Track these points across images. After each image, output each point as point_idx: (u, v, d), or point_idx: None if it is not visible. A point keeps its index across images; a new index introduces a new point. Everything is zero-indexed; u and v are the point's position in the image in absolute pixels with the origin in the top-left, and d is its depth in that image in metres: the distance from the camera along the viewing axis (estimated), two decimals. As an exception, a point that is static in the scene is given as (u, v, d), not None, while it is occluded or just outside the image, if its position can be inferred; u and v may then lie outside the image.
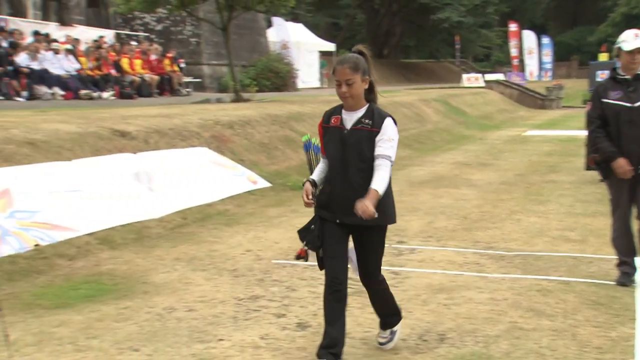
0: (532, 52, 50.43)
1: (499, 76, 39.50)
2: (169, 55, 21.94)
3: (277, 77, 27.04)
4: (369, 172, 3.72)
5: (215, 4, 17.96)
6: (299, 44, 31.65)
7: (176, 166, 9.33)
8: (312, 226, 3.90)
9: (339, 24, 58.89)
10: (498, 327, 4.64)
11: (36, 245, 6.27)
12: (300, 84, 29.71)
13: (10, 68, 15.46)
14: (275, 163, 11.62)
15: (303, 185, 3.91)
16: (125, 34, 24.90)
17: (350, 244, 3.99)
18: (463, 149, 17.20)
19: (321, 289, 5.58)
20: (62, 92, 16.59)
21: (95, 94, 17.42)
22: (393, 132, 3.78)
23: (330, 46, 36.41)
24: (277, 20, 31.25)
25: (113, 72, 18.81)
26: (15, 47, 16.05)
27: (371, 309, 4.31)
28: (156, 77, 20.44)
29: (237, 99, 17.80)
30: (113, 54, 19.57)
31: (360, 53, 3.85)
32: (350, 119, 3.81)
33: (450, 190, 10.62)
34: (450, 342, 4.40)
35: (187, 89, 22.47)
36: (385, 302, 4.21)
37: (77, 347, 4.33)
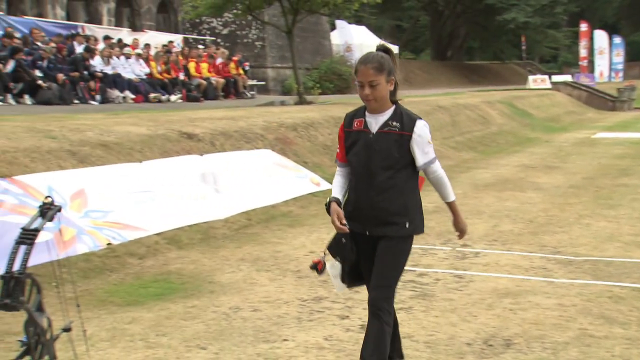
0: (603, 52, 48.96)
1: (567, 77, 38.51)
2: (235, 58, 22.30)
3: (340, 79, 27.13)
4: (397, 178, 3.48)
5: (280, 8, 18.18)
6: (362, 47, 31.59)
7: (241, 168, 9.49)
8: (344, 240, 3.57)
9: (402, 26, 58.58)
10: (567, 334, 4.55)
11: (109, 244, 6.50)
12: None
13: (85, 73, 16.03)
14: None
15: (327, 206, 3.57)
16: (193, 39, 25.45)
17: (332, 261, 3.68)
18: (528, 151, 16.86)
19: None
20: (133, 96, 17.09)
21: (163, 97, 17.87)
22: (429, 136, 3.55)
23: (393, 48, 36.20)
24: (340, 23, 31.35)
25: (181, 75, 19.26)
26: (90, 52, 16.64)
27: (436, 312, 4.28)
28: (222, 80, 20.81)
29: (301, 102, 17.95)
30: (181, 58, 20.05)
31: (385, 50, 3.62)
32: (375, 122, 3.52)
33: (516, 194, 10.43)
34: (516, 347, 4.34)
35: (252, 92, 22.78)
36: (378, 345, 3.57)
37: (148, 344, 4.47)
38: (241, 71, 22.32)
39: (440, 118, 17.68)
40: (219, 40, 26.13)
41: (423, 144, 3.50)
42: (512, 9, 48.58)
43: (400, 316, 4.99)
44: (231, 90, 21.27)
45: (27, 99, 14.14)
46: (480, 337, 4.54)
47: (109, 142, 8.35)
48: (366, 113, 3.57)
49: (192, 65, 19.95)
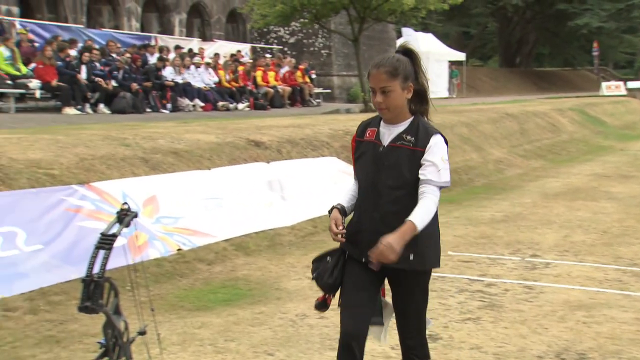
0: (683, 57, 47.05)
1: (643, 83, 37.20)
2: (301, 67, 22.52)
3: (405, 86, 27.03)
4: (407, 200, 2.95)
5: (346, 17, 18.27)
6: (429, 54, 31.40)
7: (307, 175, 9.56)
8: (329, 257, 3.14)
9: (469, 32, 57.84)
10: (643, 350, 4.39)
11: (179, 249, 6.65)
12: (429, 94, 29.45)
13: (157, 82, 16.50)
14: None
15: (329, 213, 3.11)
16: (261, 47, 25.84)
17: (389, 299, 3.21)
18: (601, 160, 16.35)
19: (452, 301, 5.54)
20: (202, 104, 17.47)
21: (231, 105, 18.20)
22: (443, 152, 3.01)
23: (460, 55, 35.89)
24: (406, 31, 31.22)
25: (249, 84, 19.58)
26: (162, 62, 17.13)
27: (505, 323, 4.21)
28: (288, 89, 21.04)
29: (366, 109, 17.97)
30: (249, 66, 20.39)
31: (406, 52, 3.09)
32: (388, 133, 3.06)
33: (588, 203, 10.13)
34: (590, 362, 4.22)
35: (317, 100, 22.94)
36: None
37: (217, 349, 4.55)
38: (307, 79, 22.51)
39: (508, 126, 17.36)
40: (285, 48, 26.45)
41: (430, 161, 2.97)
42: (585, 13, 47.31)
43: (468, 326, 4.92)
44: (297, 98, 21.48)
45: (102, 107, 14.65)
46: (552, 350, 4.42)
47: (180, 150, 8.56)
48: (381, 122, 3.13)
49: (259, 74, 20.25)
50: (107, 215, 6.38)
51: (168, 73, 17.06)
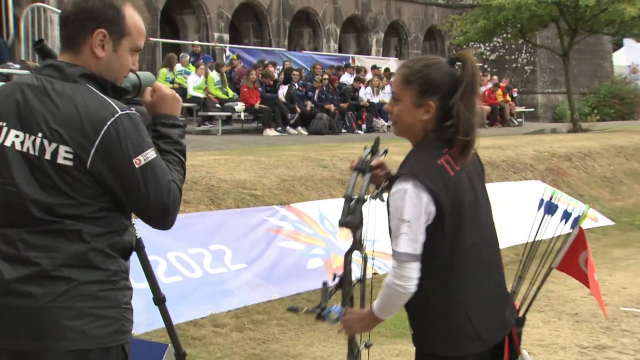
0: None
1: None
2: (502, 84, 21.74)
3: (622, 104, 25.02)
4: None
5: (555, 30, 17.29)
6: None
7: (508, 199, 9.05)
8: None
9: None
10: None
11: (375, 273, 6.53)
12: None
13: (353, 102, 16.79)
14: (620, 199, 10.68)
15: None
16: (458, 66, 25.42)
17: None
18: None
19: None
20: (397, 124, 17.47)
21: (428, 126, 17.99)
22: (402, 208, 2.23)
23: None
24: (627, 42, 28.92)
25: (446, 103, 19.27)
26: (359, 82, 17.42)
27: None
28: (487, 108, 20.37)
29: (575, 129, 16.86)
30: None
31: (455, 61, 2.32)
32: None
33: None
34: None
35: (519, 119, 21.98)
36: None
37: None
38: (508, 98, 21.67)
39: None
40: (485, 65, 25.75)
41: (391, 218, 2.28)
42: None
43: None
44: (497, 117, 20.72)
45: (300, 128, 15.17)
46: None
47: (377, 171, 8.51)
48: None
49: (457, 93, 19.88)
50: (305, 236, 6.47)
51: (364, 93, 17.26)
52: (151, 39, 15.84)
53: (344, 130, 16.02)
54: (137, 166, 2.01)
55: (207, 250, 5.68)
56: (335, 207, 7.13)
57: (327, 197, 7.38)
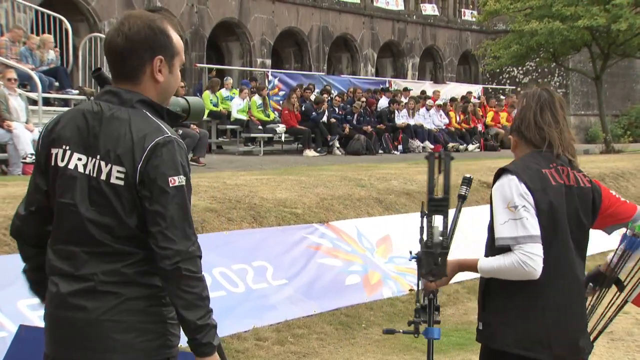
0: None
1: None
2: (535, 107, 21.79)
3: (654, 126, 24.88)
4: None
5: (587, 54, 17.37)
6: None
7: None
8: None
9: None
10: None
11: (410, 290, 6.73)
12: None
13: (389, 124, 17.07)
14: (653, 220, 10.63)
15: None
16: (492, 88, 25.52)
17: None
18: None
19: None
20: (432, 145, 17.64)
21: (461, 147, 18.13)
22: (507, 197, 2.57)
23: None
24: (659, 65, 28.79)
25: (479, 125, 19.39)
26: (395, 104, 17.71)
27: None
28: (520, 130, 20.45)
29: (608, 150, 16.87)
30: (480, 108, 20.23)
31: (543, 92, 2.75)
32: None
33: None
34: None
35: (552, 141, 21.97)
36: None
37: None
38: (541, 119, 21.70)
39: None
40: (518, 89, 25.82)
41: (499, 211, 2.61)
42: None
43: None
44: (531, 139, 20.75)
45: (337, 149, 15.46)
46: None
47: (412, 191, 8.71)
48: None
49: (490, 115, 19.98)
50: (344, 253, 6.69)
51: (400, 116, 17.53)
52: (198, 64, 16.32)
53: (380, 151, 16.29)
54: (171, 185, 2.09)
55: (249, 267, 5.90)
56: (372, 225, 7.36)
57: (365, 216, 7.60)
